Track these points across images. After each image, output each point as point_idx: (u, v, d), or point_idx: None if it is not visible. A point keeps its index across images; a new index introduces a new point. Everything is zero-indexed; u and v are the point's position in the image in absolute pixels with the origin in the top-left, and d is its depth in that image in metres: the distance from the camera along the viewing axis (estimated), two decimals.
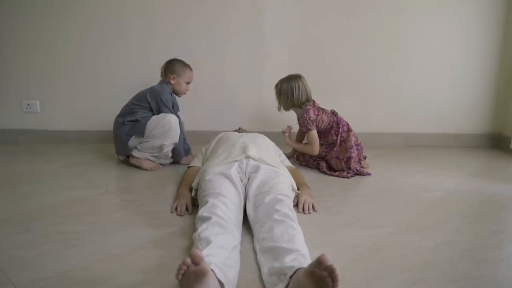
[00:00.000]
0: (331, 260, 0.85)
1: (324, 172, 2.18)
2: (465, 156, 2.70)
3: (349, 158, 2.12)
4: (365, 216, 1.56)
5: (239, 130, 2.38)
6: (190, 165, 1.90)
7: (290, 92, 2.27)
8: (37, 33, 2.74)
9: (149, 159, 2.20)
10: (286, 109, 2.37)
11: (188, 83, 2.31)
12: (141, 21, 2.75)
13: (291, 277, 0.95)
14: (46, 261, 1.15)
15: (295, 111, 2.39)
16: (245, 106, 2.90)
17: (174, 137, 2.15)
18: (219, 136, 2.01)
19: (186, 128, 2.86)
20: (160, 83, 2.27)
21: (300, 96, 2.26)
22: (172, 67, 2.25)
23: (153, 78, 2.84)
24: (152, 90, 2.21)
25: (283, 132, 2.34)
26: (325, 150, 2.25)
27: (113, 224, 1.43)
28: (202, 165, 1.82)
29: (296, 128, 2.46)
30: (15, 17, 2.70)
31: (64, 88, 2.82)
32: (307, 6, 2.76)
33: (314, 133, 2.24)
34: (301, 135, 2.51)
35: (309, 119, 2.23)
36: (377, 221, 1.51)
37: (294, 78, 2.29)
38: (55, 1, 2.69)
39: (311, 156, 2.29)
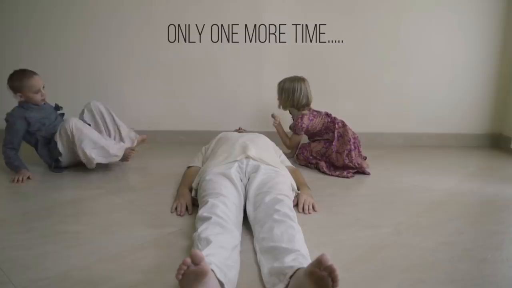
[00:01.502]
0: (331, 260, 0.85)
1: (324, 172, 2.18)
2: (465, 156, 2.70)
3: (350, 151, 2.14)
4: (365, 216, 1.56)
5: (239, 130, 2.38)
6: (190, 165, 1.90)
7: (291, 91, 2.31)
8: (38, 33, 2.74)
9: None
10: (285, 108, 2.42)
11: (36, 92, 2.05)
12: (140, 21, 2.75)
13: (291, 277, 0.95)
14: (46, 261, 1.15)
15: (291, 112, 2.42)
16: (245, 106, 2.90)
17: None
18: (219, 136, 2.01)
19: (186, 127, 2.87)
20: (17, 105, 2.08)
21: (300, 98, 2.31)
22: (11, 86, 2.04)
23: (153, 78, 2.85)
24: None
25: (274, 117, 2.44)
26: (324, 145, 2.26)
27: (113, 224, 1.43)
28: (202, 165, 1.82)
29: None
30: (16, 18, 2.71)
31: (64, 88, 2.82)
32: (307, 6, 2.76)
33: (298, 138, 2.37)
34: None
35: (302, 125, 2.30)
36: (377, 221, 1.51)
37: (298, 80, 2.33)
38: (56, 2, 2.70)
39: (311, 154, 2.30)
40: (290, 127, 2.41)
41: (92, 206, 1.62)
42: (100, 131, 2.20)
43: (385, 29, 2.81)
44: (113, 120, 2.28)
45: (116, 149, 2.08)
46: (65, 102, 2.87)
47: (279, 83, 2.39)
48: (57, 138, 2.02)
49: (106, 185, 1.88)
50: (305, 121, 2.30)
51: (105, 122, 2.25)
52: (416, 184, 2.01)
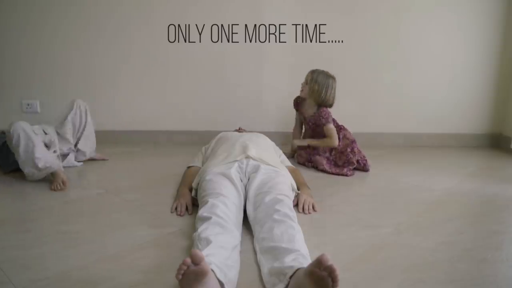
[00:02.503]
0: (331, 260, 0.85)
1: (323, 170, 2.18)
2: (465, 156, 2.70)
3: (353, 148, 2.21)
4: (365, 216, 1.56)
5: (239, 130, 2.38)
6: (190, 165, 1.90)
7: (324, 87, 2.24)
8: (37, 33, 2.74)
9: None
10: (310, 97, 2.29)
11: None
12: (140, 21, 2.75)
13: (291, 277, 0.95)
14: (46, 261, 1.14)
15: (309, 108, 2.33)
16: (245, 106, 2.90)
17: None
18: (219, 136, 2.01)
19: (186, 127, 2.86)
20: None
21: (330, 97, 2.26)
22: None
23: (152, 77, 2.85)
24: None
25: (294, 150, 2.44)
26: None
27: (113, 224, 1.43)
28: (202, 165, 1.82)
29: None
30: (15, 18, 2.71)
31: (64, 88, 2.82)
32: (307, 6, 2.76)
33: (332, 126, 2.26)
34: (309, 135, 2.42)
35: (329, 114, 2.26)
36: (377, 221, 1.51)
37: (332, 78, 2.28)
38: (54, 1, 2.69)
39: (313, 150, 2.29)
40: (316, 124, 2.30)
41: (92, 206, 1.62)
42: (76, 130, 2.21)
43: (385, 29, 2.81)
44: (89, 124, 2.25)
45: (43, 162, 1.83)
46: (63, 102, 2.87)
47: (313, 72, 2.28)
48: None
49: (106, 185, 1.88)
50: (330, 113, 2.28)
51: (84, 124, 2.23)
52: (416, 184, 2.01)
